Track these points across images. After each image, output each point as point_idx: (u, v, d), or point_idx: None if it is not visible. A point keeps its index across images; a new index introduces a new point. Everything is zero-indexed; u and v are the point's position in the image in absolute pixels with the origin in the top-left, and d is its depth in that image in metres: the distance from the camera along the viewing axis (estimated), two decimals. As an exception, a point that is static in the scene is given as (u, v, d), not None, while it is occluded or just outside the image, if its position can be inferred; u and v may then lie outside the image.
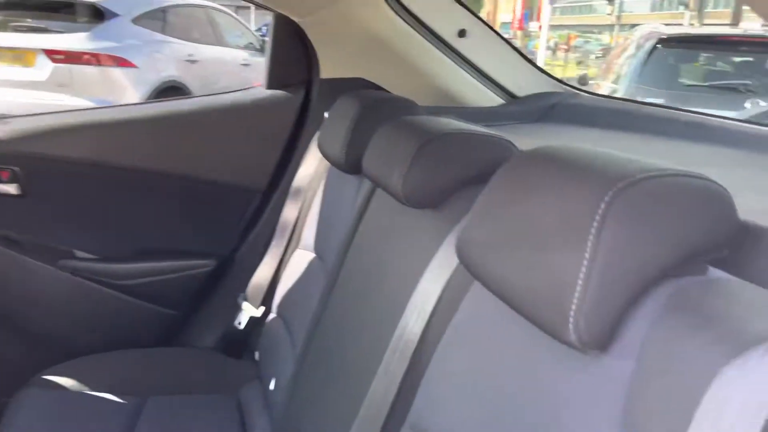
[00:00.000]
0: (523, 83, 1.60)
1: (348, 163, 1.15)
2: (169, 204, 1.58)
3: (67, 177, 1.47)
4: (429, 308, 0.80)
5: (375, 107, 1.16)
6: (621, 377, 0.52)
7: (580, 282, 0.52)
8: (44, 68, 4.81)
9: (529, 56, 1.71)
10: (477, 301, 0.73)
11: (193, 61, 5.56)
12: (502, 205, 0.64)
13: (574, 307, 0.52)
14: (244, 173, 1.61)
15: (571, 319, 0.52)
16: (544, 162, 0.62)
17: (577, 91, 1.61)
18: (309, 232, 1.42)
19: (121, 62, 4.95)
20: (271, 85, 1.61)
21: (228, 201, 1.61)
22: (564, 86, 1.63)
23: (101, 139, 1.48)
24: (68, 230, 1.51)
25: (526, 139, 1.24)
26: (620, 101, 1.58)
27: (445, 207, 0.89)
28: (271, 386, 1.29)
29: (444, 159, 0.89)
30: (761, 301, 0.50)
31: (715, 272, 0.57)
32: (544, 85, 1.60)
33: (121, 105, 1.59)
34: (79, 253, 1.51)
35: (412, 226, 0.95)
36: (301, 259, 1.40)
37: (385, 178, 0.93)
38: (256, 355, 1.45)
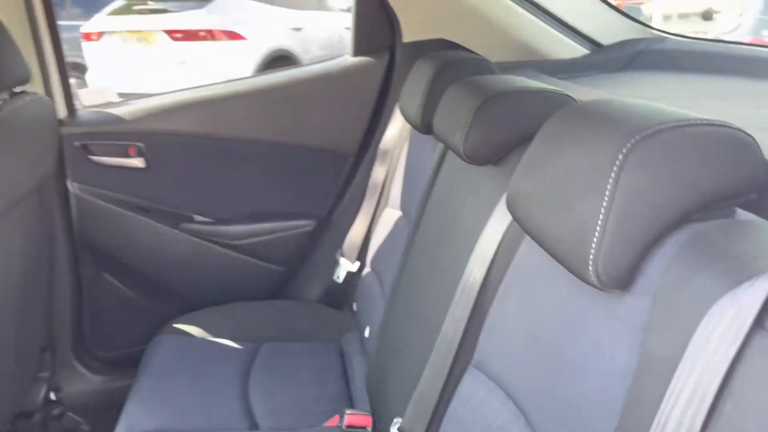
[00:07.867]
0: (607, 30, 1.57)
1: (423, 124, 1.21)
2: (272, 170, 1.72)
3: (184, 149, 1.65)
4: (489, 257, 0.86)
5: (448, 68, 1.21)
6: (640, 312, 0.57)
7: (598, 227, 0.57)
8: (165, 47, 5.20)
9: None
10: (529, 249, 0.79)
11: (298, 29, 5.76)
12: (542, 158, 0.69)
13: (593, 250, 0.57)
14: (337, 139, 1.72)
15: (590, 262, 0.57)
16: (579, 115, 0.66)
17: (665, 35, 1.55)
18: (395, 192, 1.51)
19: (233, 35, 5.25)
20: (356, 52, 1.69)
21: (323, 165, 1.73)
22: (651, 30, 1.58)
23: (211, 114, 1.65)
24: (187, 198, 1.69)
25: (606, 89, 1.24)
26: (710, 43, 1.51)
27: (504, 162, 0.94)
28: (366, 334, 1.41)
29: (501, 117, 0.93)
30: None
31: (742, 214, 0.59)
32: (629, 31, 1.56)
33: (226, 81, 1.73)
34: (197, 218, 1.70)
35: (477, 182, 1.01)
36: (389, 217, 1.50)
37: (450, 138, 0.99)
38: (354, 306, 1.58)
